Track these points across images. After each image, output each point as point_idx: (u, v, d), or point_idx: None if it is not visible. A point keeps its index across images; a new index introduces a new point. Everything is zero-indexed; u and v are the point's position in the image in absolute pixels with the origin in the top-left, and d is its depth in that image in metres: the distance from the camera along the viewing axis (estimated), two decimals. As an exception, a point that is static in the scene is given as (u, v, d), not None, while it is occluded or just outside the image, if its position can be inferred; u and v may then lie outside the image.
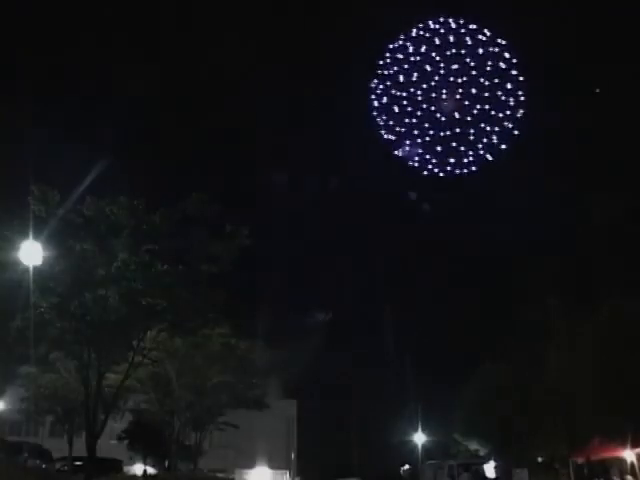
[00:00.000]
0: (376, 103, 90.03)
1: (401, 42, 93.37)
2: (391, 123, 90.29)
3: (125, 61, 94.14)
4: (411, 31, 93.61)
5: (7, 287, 16.59)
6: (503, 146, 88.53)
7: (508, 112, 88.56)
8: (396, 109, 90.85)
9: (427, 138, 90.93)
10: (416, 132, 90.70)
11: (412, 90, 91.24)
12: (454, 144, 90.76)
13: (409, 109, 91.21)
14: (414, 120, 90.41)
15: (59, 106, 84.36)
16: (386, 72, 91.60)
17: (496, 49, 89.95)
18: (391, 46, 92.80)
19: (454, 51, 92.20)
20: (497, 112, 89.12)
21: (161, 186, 41.14)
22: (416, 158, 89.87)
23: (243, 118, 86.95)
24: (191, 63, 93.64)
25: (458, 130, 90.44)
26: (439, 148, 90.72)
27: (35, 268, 15.48)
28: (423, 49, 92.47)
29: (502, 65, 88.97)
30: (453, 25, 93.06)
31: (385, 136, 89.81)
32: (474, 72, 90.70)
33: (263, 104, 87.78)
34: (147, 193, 17.52)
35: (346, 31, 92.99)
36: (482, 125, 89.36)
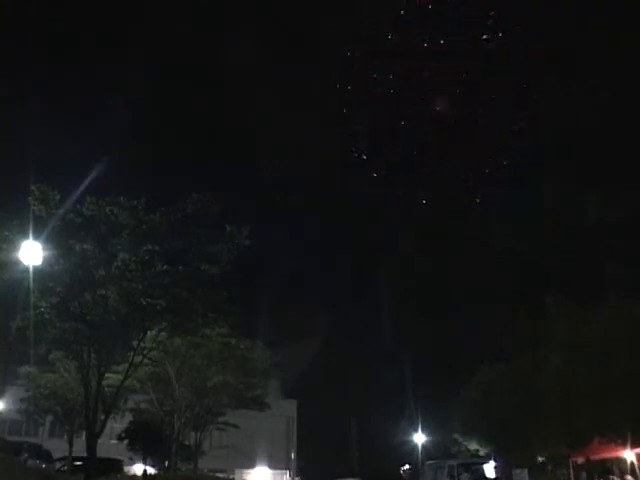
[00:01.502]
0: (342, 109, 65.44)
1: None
2: (361, 137, 66.14)
3: (125, 61, 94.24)
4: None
5: (7, 287, 16.62)
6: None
7: (519, 123, 63.03)
8: (366, 118, 64.99)
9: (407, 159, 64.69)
10: (392, 150, 65.30)
11: (390, 90, 64.33)
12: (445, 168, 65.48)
13: (382, 119, 64.58)
14: (386, 137, 65.02)
15: (59, 106, 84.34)
16: (354, 66, 65.12)
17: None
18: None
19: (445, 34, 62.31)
20: (505, 123, 63.16)
21: (161, 186, 41.22)
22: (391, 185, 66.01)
23: (243, 118, 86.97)
24: (191, 63, 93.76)
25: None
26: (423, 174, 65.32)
27: (35, 268, 15.53)
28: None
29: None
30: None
31: (355, 155, 66.74)
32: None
33: (263, 103, 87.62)
34: (147, 193, 17.54)
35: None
36: (485, 142, 63.80)
